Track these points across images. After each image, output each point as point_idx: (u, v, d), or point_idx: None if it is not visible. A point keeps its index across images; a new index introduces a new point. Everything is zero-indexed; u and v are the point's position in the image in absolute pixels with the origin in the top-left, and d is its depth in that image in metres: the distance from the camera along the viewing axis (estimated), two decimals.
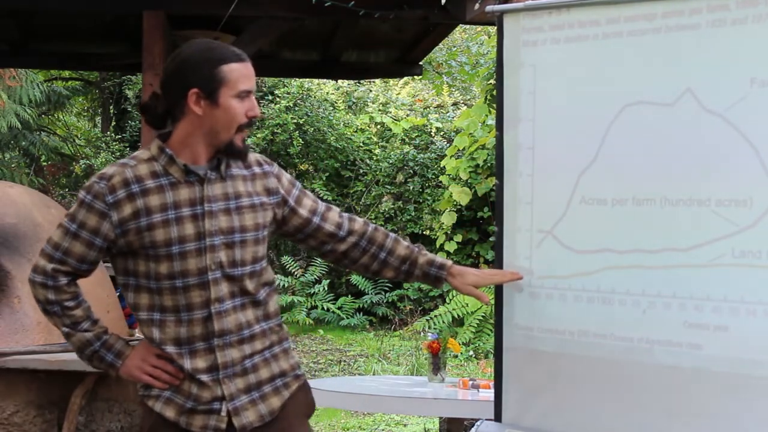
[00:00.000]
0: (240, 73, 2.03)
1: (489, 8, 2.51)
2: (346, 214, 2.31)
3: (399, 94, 12.59)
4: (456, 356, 7.71)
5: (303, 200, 2.24)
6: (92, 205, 2.06)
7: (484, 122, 9.03)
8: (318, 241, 2.27)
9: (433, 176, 10.63)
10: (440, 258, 2.34)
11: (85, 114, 14.59)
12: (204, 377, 2.07)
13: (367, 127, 11.69)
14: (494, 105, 2.47)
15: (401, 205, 10.63)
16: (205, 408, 2.09)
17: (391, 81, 12.58)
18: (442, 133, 11.38)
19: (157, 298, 2.08)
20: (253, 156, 2.19)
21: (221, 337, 2.07)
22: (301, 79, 11.11)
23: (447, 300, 8.95)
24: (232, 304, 2.08)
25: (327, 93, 11.74)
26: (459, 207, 9.29)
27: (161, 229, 2.03)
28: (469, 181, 9.14)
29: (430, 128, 11.48)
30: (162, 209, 2.04)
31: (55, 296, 2.11)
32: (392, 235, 2.32)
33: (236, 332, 2.08)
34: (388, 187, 10.78)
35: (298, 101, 11.15)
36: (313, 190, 10.80)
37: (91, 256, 2.11)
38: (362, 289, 10.06)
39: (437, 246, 9.32)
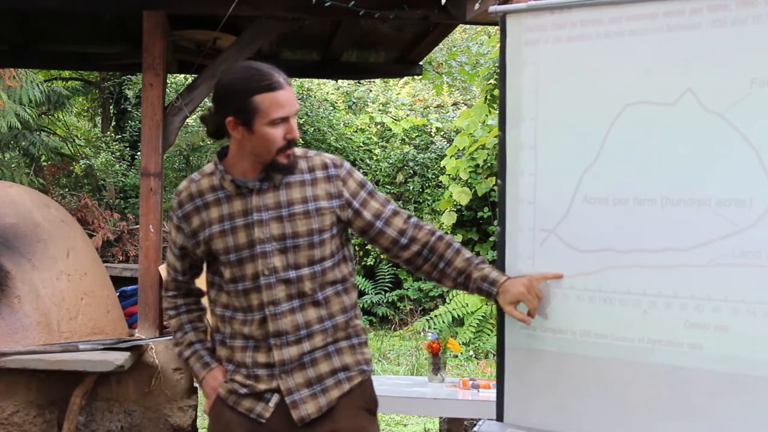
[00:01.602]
0: (272, 102, 2.08)
1: (492, 9, 2.51)
2: (414, 220, 2.32)
3: (399, 94, 12.59)
4: (456, 356, 7.71)
5: (369, 204, 2.27)
6: (171, 219, 2.30)
7: (484, 122, 9.02)
8: (382, 246, 2.32)
9: (433, 176, 10.63)
10: (496, 273, 2.30)
11: (85, 114, 14.58)
12: (261, 371, 2.22)
13: (367, 127, 11.70)
14: (494, 105, 2.47)
15: (401, 205, 10.62)
16: (256, 395, 2.22)
17: (391, 81, 12.59)
18: (442, 133, 11.39)
19: (228, 298, 2.24)
20: (321, 158, 2.26)
21: (277, 337, 2.19)
22: (301, 79, 11.12)
23: (447, 300, 8.95)
24: (289, 306, 2.19)
25: (327, 93, 11.75)
26: (459, 207, 9.29)
27: (219, 238, 2.20)
28: (469, 181, 9.14)
29: (430, 128, 11.48)
30: (219, 220, 2.20)
31: (165, 305, 2.42)
32: (455, 245, 2.31)
33: (293, 332, 2.20)
34: (388, 187, 10.78)
35: (298, 101, 11.13)
36: None
37: (179, 266, 2.35)
38: (362, 289, 10.06)
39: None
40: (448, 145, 10.49)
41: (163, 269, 3.62)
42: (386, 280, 10.12)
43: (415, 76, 7.00)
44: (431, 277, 2.35)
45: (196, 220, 2.23)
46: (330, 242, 2.23)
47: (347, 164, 2.29)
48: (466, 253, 2.32)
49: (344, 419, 2.23)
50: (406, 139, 11.37)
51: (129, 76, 11.59)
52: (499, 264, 2.50)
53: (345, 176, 2.26)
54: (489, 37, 10.26)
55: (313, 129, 11.04)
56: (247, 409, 2.23)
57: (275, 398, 2.21)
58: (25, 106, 9.86)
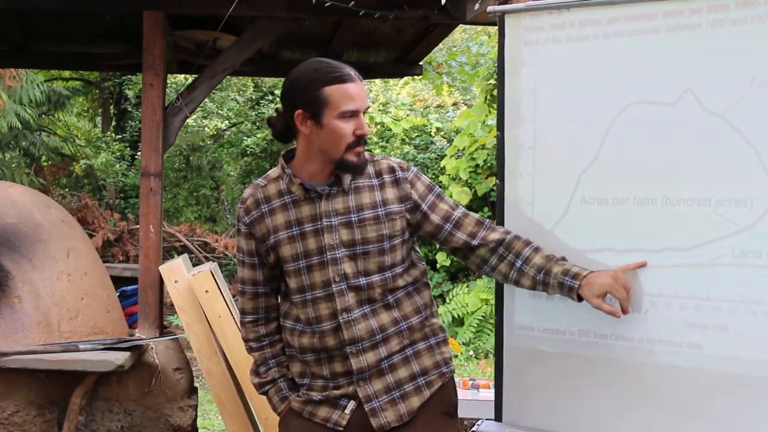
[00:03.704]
0: (342, 94, 2.05)
1: (490, 9, 2.51)
2: (487, 222, 2.26)
3: (399, 94, 12.59)
4: (456, 356, 7.70)
5: (438, 206, 2.23)
6: (240, 229, 2.24)
7: (484, 122, 9.02)
8: (452, 248, 2.26)
9: (433, 176, 10.62)
10: (578, 268, 2.19)
11: (85, 114, 14.59)
12: (341, 381, 2.18)
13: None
14: (494, 105, 2.48)
15: None
16: (332, 402, 2.19)
17: (391, 81, 12.59)
18: (442, 133, 11.38)
19: (296, 310, 2.20)
20: (387, 163, 2.21)
21: (353, 345, 2.15)
22: None
23: (447, 300, 8.95)
24: (361, 312, 2.15)
25: None
26: None
27: (288, 245, 2.15)
28: (469, 181, 9.13)
29: (430, 128, 11.48)
30: (287, 226, 2.15)
31: (245, 334, 2.32)
32: (533, 244, 2.24)
33: (368, 338, 2.15)
34: None
35: None
36: None
37: (259, 276, 2.25)
38: None
39: (437, 246, 9.32)
40: (448, 145, 10.49)
41: (169, 267, 3.62)
42: None
43: (415, 76, 7.00)
44: (508, 279, 2.25)
45: (263, 227, 2.18)
46: (401, 248, 2.19)
47: (414, 168, 2.25)
48: (546, 251, 2.23)
49: (423, 426, 2.18)
50: (406, 139, 11.36)
51: (129, 76, 11.59)
52: None
53: (413, 179, 2.21)
54: (489, 37, 10.26)
55: None
56: (323, 418, 2.19)
57: (351, 405, 2.17)
58: (25, 106, 9.86)
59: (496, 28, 2.52)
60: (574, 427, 2.37)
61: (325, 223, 2.13)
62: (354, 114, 2.07)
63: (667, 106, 2.22)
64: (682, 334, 2.20)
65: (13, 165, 10.39)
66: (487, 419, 2.53)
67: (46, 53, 5.44)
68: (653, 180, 2.24)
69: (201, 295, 3.49)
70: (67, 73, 11.98)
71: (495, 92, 5.21)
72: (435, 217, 2.22)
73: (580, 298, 2.17)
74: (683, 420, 2.21)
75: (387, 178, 2.19)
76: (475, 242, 2.23)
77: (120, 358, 3.44)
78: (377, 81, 12.15)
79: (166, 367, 3.73)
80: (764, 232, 2.08)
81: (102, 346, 3.53)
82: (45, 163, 11.57)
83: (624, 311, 2.17)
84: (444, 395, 2.24)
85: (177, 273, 3.61)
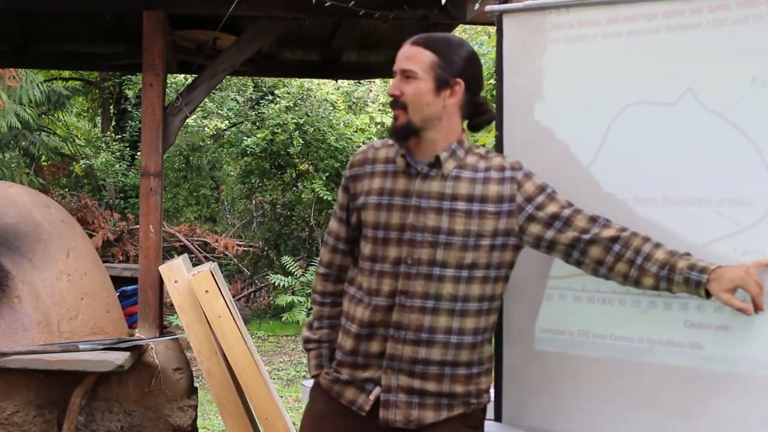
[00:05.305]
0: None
1: (489, 8, 2.51)
2: (601, 219, 2.11)
3: None
4: None
5: (547, 207, 2.10)
6: (341, 181, 2.27)
7: None
8: (564, 249, 2.11)
9: None
10: (705, 262, 2.04)
11: (85, 114, 14.60)
12: (371, 361, 2.14)
13: (367, 127, 11.69)
14: (494, 105, 2.46)
15: None
16: (358, 384, 2.16)
17: (391, 81, 12.58)
18: None
19: (362, 277, 2.18)
20: (499, 160, 2.15)
21: (397, 329, 2.11)
22: (301, 79, 11.11)
23: None
24: (422, 303, 2.09)
25: (327, 93, 11.73)
26: None
27: (373, 211, 2.14)
28: None
29: None
30: (379, 193, 2.15)
31: (314, 284, 2.34)
32: (653, 240, 2.08)
33: (414, 331, 2.09)
34: None
35: (298, 101, 11.15)
36: (312, 191, 10.80)
37: (342, 233, 2.26)
38: None
39: None
40: None
41: (169, 267, 3.62)
42: None
43: None
44: (628, 278, 2.09)
45: (360, 185, 2.18)
46: (488, 252, 2.08)
47: (526, 168, 2.15)
48: (667, 247, 2.08)
49: None
50: None
51: (129, 76, 11.59)
52: None
53: (521, 179, 2.11)
54: (489, 37, 10.25)
55: (313, 129, 11.03)
56: (349, 400, 2.16)
57: (376, 390, 2.12)
58: (25, 106, 9.87)
59: (495, 27, 2.52)
60: (574, 427, 2.37)
61: (413, 202, 2.10)
62: (395, 74, 2.16)
63: (667, 106, 2.22)
64: (682, 334, 2.20)
65: (12, 165, 10.40)
66: (487, 419, 2.53)
67: (46, 53, 5.44)
68: (653, 180, 2.24)
69: (201, 295, 3.49)
70: (67, 73, 11.99)
71: (495, 92, 5.19)
72: (542, 217, 2.09)
73: (708, 295, 2.04)
74: (683, 420, 2.20)
75: (494, 174, 2.11)
76: (586, 237, 2.08)
77: (120, 358, 3.44)
78: (377, 81, 12.15)
79: (166, 367, 3.73)
80: (765, 231, 2.08)
81: (102, 346, 3.53)
82: (45, 163, 11.59)
83: (758, 308, 2.02)
84: (465, 419, 2.15)
85: (177, 273, 3.61)
